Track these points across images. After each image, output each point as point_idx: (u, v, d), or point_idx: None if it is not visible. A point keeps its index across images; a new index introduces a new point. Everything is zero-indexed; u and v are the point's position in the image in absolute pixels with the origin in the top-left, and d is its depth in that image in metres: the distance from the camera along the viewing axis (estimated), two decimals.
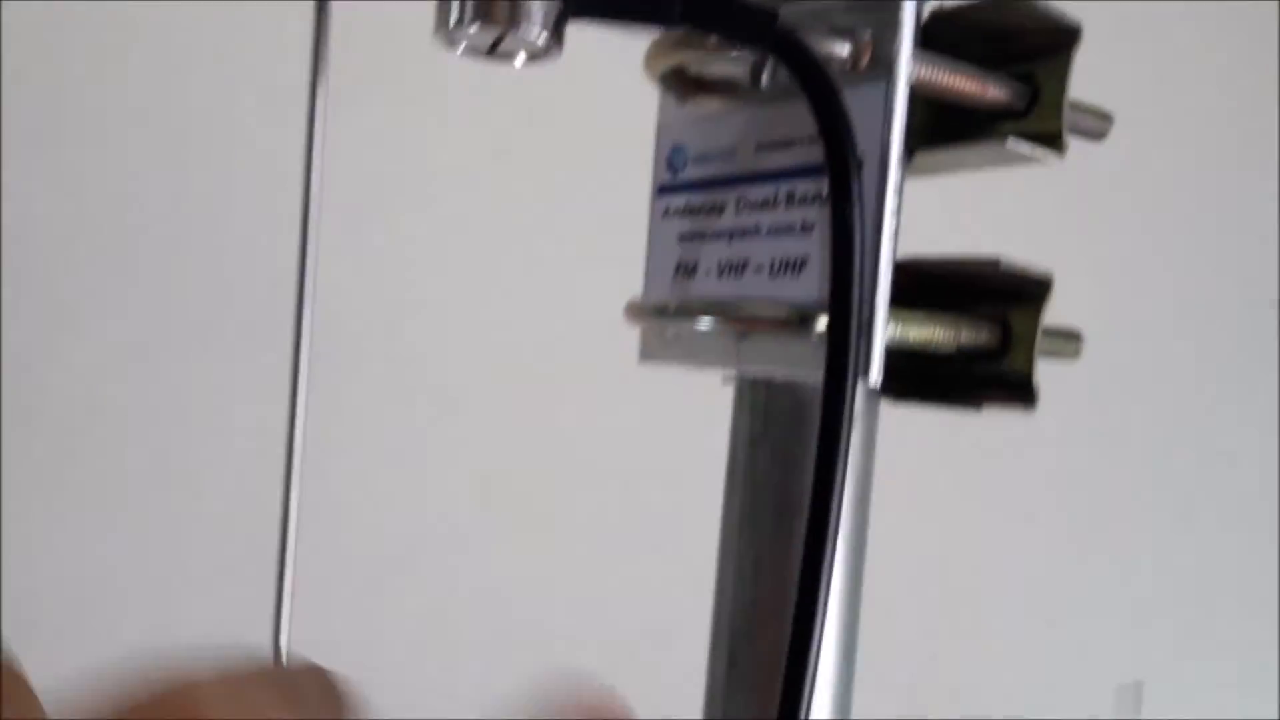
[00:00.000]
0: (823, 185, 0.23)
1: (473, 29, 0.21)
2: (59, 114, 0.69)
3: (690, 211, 0.26)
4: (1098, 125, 0.26)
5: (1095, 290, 1.13)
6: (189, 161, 0.73)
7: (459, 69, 0.84)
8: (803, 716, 0.21)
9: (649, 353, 0.28)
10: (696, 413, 0.51)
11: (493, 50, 0.22)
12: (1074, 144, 0.26)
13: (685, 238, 0.26)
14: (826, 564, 0.21)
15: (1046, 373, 0.26)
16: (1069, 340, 0.26)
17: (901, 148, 0.22)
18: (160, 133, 0.72)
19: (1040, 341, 0.24)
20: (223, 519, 0.74)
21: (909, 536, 0.97)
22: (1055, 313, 0.25)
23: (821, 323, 0.22)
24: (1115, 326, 1.10)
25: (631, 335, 0.34)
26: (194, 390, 0.74)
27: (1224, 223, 1.24)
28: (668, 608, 0.75)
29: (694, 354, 0.26)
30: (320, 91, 0.28)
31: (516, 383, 0.81)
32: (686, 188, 0.26)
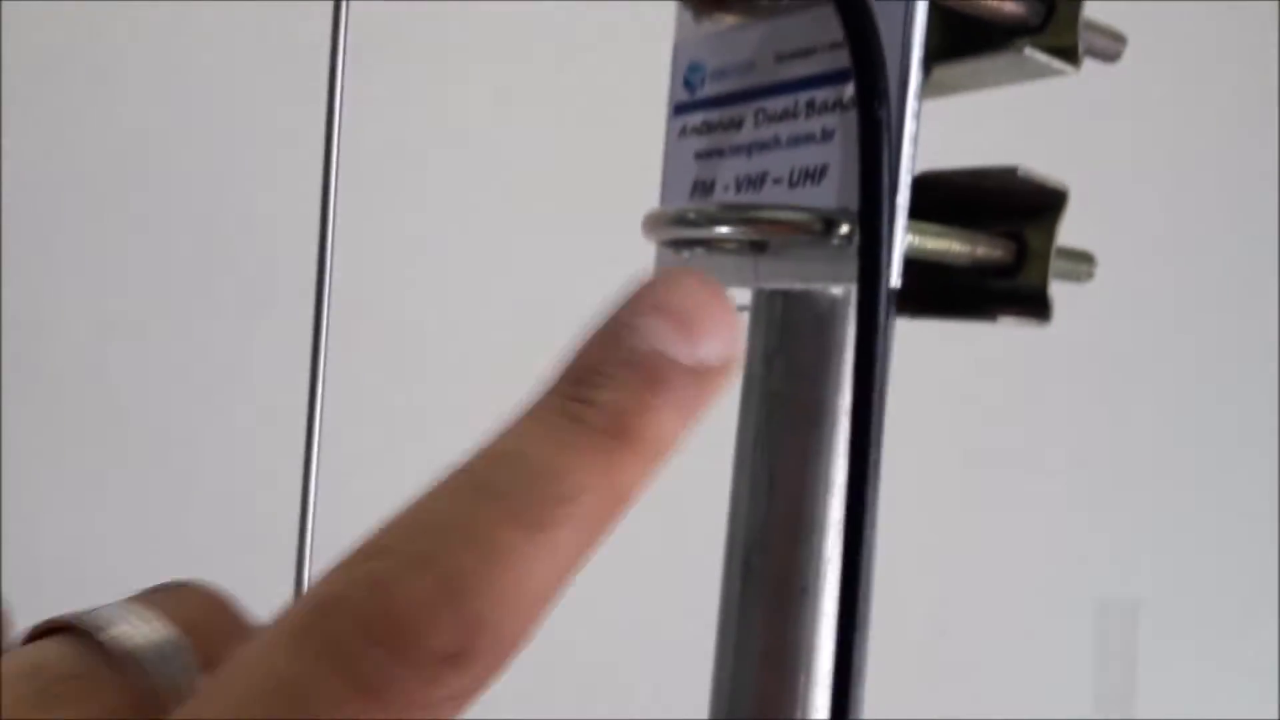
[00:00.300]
0: (843, 91, 0.23)
1: None
2: (55, 87, 0.69)
3: (708, 128, 0.26)
4: (1111, 46, 0.26)
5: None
6: (189, 133, 0.72)
7: (459, 28, 0.83)
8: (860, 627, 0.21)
9: None
10: None
11: None
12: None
13: (702, 155, 0.26)
14: (873, 471, 0.21)
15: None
16: (1082, 261, 0.27)
17: (922, 50, 0.22)
18: (158, 105, 0.71)
19: (1055, 257, 0.25)
20: (222, 493, 0.73)
21: (905, 471, 0.97)
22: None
23: (843, 228, 0.22)
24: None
25: None
26: (192, 364, 0.73)
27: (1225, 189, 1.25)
28: (670, 582, 0.75)
29: (710, 275, 0.26)
30: (338, 87, 0.28)
31: (521, 350, 0.81)
32: (704, 105, 0.26)
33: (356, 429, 0.76)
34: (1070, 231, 0.25)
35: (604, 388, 0.14)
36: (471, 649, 0.13)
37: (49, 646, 0.16)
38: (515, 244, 0.82)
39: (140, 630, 0.16)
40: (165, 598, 0.18)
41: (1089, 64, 0.25)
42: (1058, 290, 0.26)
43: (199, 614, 0.18)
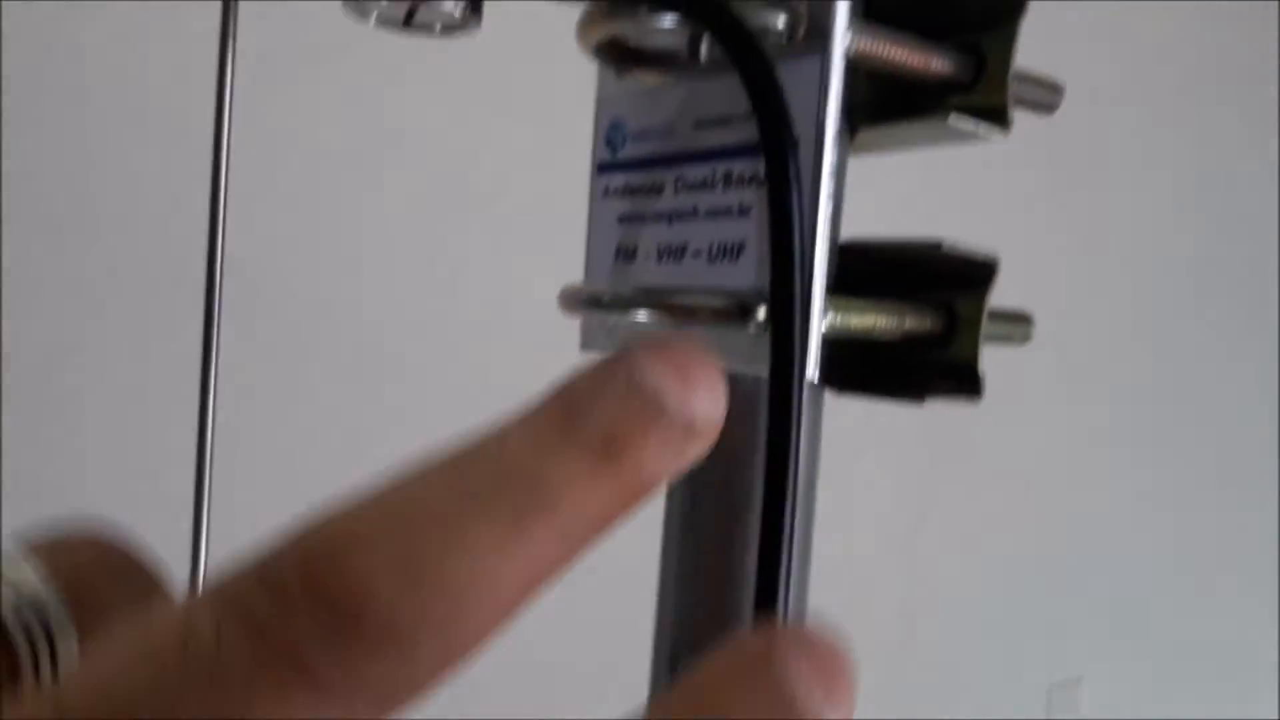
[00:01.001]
0: (760, 166, 0.22)
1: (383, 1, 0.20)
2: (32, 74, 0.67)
3: (630, 191, 0.25)
4: (1047, 97, 0.25)
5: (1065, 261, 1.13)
6: (132, 99, 0.71)
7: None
8: None
9: (590, 342, 0.26)
10: None
11: (408, 22, 0.21)
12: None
13: (625, 219, 0.25)
14: (784, 566, 0.20)
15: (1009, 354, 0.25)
16: (1018, 323, 0.25)
17: (839, 125, 0.21)
18: (108, 71, 0.70)
19: (986, 326, 0.24)
20: (168, 440, 0.72)
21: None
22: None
23: (760, 313, 0.21)
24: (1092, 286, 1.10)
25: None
26: (142, 320, 0.72)
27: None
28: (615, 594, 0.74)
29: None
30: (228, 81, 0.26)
31: (463, 348, 0.80)
32: (626, 166, 0.25)
33: (303, 428, 0.75)
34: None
35: (598, 410, 0.14)
36: (414, 637, 0.12)
37: None
38: (467, 242, 0.81)
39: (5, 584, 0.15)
40: (51, 547, 0.16)
41: (1078, 49, 0.24)
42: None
43: (86, 565, 0.16)
